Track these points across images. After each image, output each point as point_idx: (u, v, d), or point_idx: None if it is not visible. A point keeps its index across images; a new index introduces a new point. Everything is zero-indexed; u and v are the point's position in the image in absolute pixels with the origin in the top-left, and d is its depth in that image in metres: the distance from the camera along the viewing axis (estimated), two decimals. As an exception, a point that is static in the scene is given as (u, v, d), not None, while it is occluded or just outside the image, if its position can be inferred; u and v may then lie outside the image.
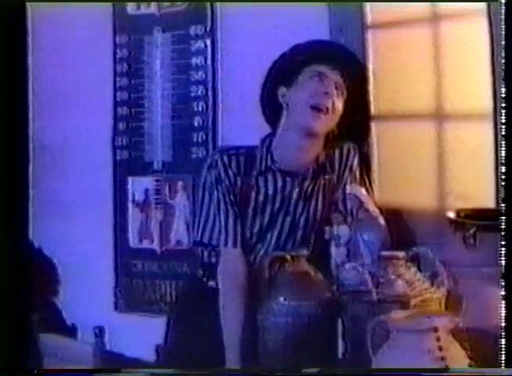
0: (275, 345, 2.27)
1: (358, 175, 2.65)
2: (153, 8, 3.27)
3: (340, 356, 2.20)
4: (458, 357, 1.86)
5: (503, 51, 2.13)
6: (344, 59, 2.59)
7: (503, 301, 2.02)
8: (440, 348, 1.82)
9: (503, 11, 2.16)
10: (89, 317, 3.30)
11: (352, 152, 2.65)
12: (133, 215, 3.34)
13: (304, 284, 2.30)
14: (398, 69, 2.83)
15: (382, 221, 2.45)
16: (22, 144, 2.78)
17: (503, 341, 1.99)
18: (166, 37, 3.23)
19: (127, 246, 3.35)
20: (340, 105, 2.53)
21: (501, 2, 2.16)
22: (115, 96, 3.34)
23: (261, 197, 2.61)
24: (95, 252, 3.37)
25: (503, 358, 1.98)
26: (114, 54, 3.34)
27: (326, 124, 2.53)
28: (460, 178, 2.70)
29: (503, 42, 2.13)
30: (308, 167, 2.59)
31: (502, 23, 2.14)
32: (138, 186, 3.33)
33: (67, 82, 3.40)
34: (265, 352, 2.30)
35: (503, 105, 2.10)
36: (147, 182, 3.31)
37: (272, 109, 2.63)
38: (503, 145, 2.10)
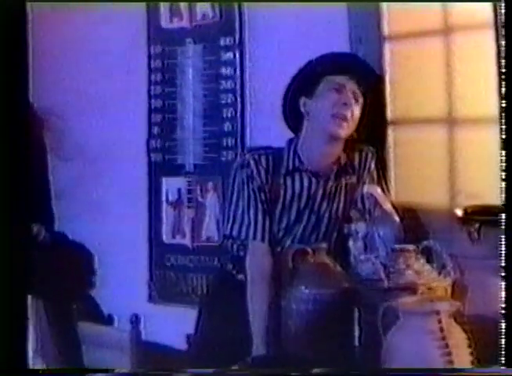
0: (297, 329, 2.42)
1: (375, 176, 2.78)
2: (185, 21, 3.31)
3: (356, 338, 2.35)
4: (458, 338, 2.02)
5: (503, 50, 2.21)
6: (360, 69, 2.72)
7: (503, 303, 2.12)
8: (441, 329, 1.98)
9: (503, 11, 2.23)
10: (125, 308, 3.30)
11: (370, 154, 2.78)
12: (166, 212, 3.39)
13: (324, 274, 2.45)
14: (412, 77, 2.88)
15: (396, 217, 2.59)
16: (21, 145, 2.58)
17: (503, 341, 2.07)
18: (197, 49, 3.29)
19: (160, 241, 3.41)
20: (358, 112, 2.67)
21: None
22: (150, 103, 3.41)
23: (288, 195, 2.73)
24: (130, 247, 3.42)
25: (503, 358, 2.06)
26: (149, 64, 3.40)
27: (346, 130, 2.67)
28: (469, 178, 2.75)
29: (504, 42, 2.22)
30: (331, 168, 2.73)
31: (502, 22, 2.22)
32: (171, 186, 3.38)
33: (105, 89, 3.45)
34: (287, 337, 2.46)
35: (504, 106, 2.18)
36: (180, 182, 3.36)
37: (294, 117, 2.76)
38: (504, 146, 2.20)
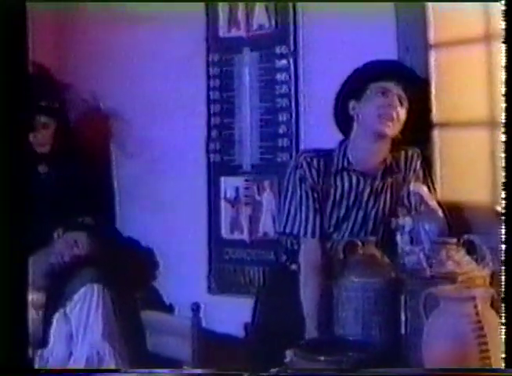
0: (347, 315, 2.58)
1: (421, 175, 2.91)
2: (242, 30, 3.43)
3: (402, 323, 2.49)
4: (492, 321, 2.17)
5: (503, 50, 2.24)
6: (406, 75, 2.87)
7: (503, 303, 2.19)
8: (477, 313, 2.14)
9: (503, 11, 2.27)
10: (185, 298, 3.41)
11: (416, 155, 2.92)
12: (225, 210, 3.50)
13: (372, 265, 2.59)
14: (456, 82, 2.98)
15: (440, 213, 2.72)
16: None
17: (503, 341, 2.14)
18: (254, 56, 3.41)
19: (219, 237, 3.53)
20: (403, 114, 2.81)
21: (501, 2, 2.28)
22: (209, 108, 3.52)
23: (338, 194, 2.89)
24: (191, 243, 3.55)
25: (503, 358, 2.13)
26: (208, 71, 3.52)
27: (392, 129, 2.82)
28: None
29: (504, 42, 2.25)
30: (378, 168, 2.88)
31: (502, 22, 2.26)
32: (229, 184, 3.50)
33: (168, 95, 3.59)
34: (338, 322, 2.61)
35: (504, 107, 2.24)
36: (238, 181, 3.48)
37: (344, 120, 2.91)
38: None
